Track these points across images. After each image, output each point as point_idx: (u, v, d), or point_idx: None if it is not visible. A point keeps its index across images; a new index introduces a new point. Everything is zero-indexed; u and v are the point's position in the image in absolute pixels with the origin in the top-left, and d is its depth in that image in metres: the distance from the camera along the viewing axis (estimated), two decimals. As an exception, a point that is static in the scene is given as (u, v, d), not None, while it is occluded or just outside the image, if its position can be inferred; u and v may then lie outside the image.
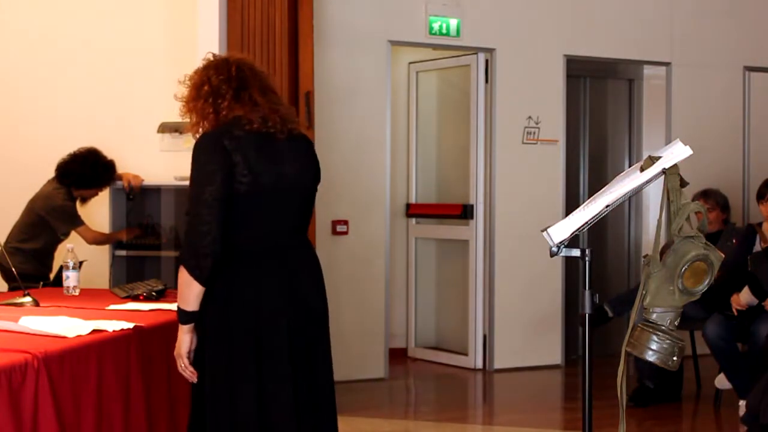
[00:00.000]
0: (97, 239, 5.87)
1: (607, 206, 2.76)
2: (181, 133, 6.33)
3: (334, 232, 6.50)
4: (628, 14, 7.35)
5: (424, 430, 5.44)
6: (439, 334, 7.64)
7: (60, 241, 5.83)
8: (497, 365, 6.97)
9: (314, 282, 3.12)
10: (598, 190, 2.86)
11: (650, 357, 2.71)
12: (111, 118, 6.49)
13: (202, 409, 2.91)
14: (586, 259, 2.82)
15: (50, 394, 2.55)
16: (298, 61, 5.78)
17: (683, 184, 2.73)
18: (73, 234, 5.87)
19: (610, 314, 6.19)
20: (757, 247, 5.66)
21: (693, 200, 2.76)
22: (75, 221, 5.78)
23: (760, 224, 5.76)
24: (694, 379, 6.30)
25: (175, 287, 5.22)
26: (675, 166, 2.73)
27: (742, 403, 5.26)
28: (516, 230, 6.98)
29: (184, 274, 2.89)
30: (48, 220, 5.71)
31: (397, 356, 7.32)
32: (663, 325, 2.70)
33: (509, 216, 6.99)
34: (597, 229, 6.04)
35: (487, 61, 7.03)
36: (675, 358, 2.71)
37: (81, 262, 4.43)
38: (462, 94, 7.28)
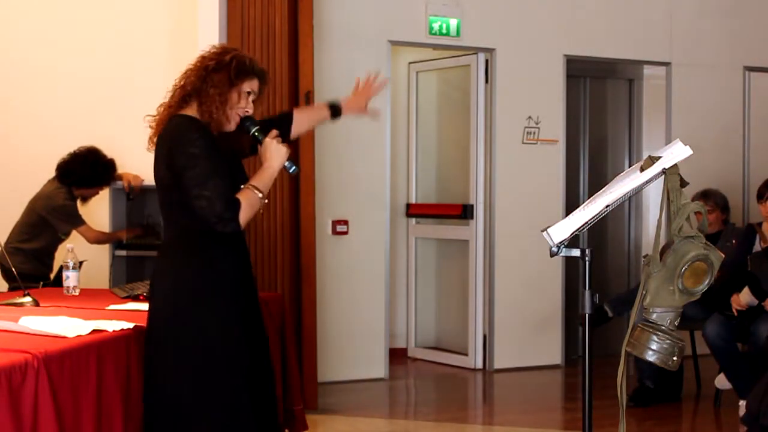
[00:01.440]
0: (99, 238, 5.88)
1: (607, 206, 2.76)
2: (181, 133, 6.33)
3: (334, 232, 6.50)
4: (628, 14, 7.35)
5: (424, 430, 5.44)
6: (439, 334, 7.64)
7: (61, 241, 5.83)
8: (497, 365, 6.97)
9: (153, 293, 3.15)
10: (598, 190, 2.85)
11: (650, 357, 2.71)
12: (111, 118, 6.48)
13: None
14: (586, 259, 2.82)
15: (50, 394, 2.55)
16: (298, 61, 5.77)
17: (683, 184, 2.72)
18: (74, 234, 5.87)
19: (610, 314, 6.20)
20: (757, 247, 5.66)
21: (693, 201, 2.75)
22: (76, 221, 5.78)
23: (760, 224, 5.76)
24: (694, 379, 6.30)
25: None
26: (675, 166, 2.73)
27: (742, 403, 5.26)
28: (516, 230, 6.97)
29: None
30: (49, 219, 5.71)
31: (397, 356, 7.32)
32: (663, 325, 2.70)
33: (509, 216, 6.98)
34: (597, 229, 6.05)
35: (487, 61, 7.03)
36: (675, 358, 2.71)
37: (81, 262, 4.43)
38: (462, 94, 7.28)
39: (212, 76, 3.11)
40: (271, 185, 3.17)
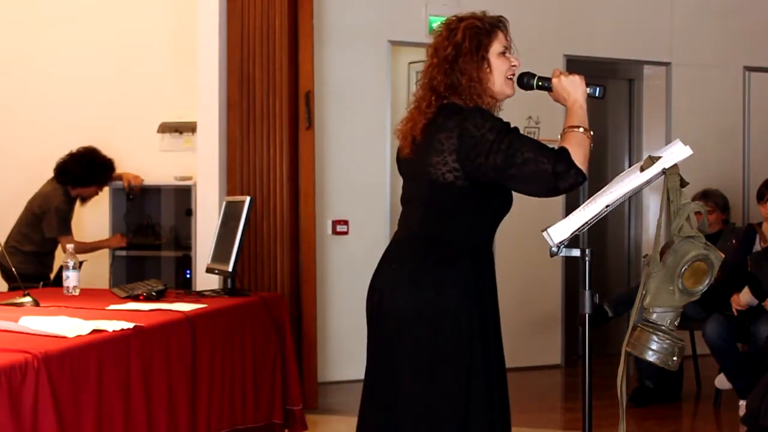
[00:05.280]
0: (77, 250, 5.80)
1: (607, 206, 2.75)
2: (181, 133, 6.34)
3: (334, 232, 6.49)
4: (628, 14, 7.35)
5: (424, 430, 5.43)
6: (439, 334, 7.62)
7: (57, 241, 5.83)
8: (497, 365, 6.96)
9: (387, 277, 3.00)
10: (598, 190, 2.85)
11: (650, 357, 2.70)
12: (111, 118, 6.49)
13: None
14: (586, 259, 2.81)
15: (50, 394, 2.55)
16: (298, 61, 5.78)
17: (683, 184, 2.72)
18: (74, 234, 5.86)
19: (610, 314, 6.19)
20: (757, 247, 5.66)
21: (693, 201, 2.75)
22: (64, 228, 5.74)
23: (760, 224, 5.76)
24: (694, 379, 6.30)
25: (175, 287, 5.25)
26: (675, 166, 2.73)
27: (742, 403, 5.26)
28: (516, 230, 6.96)
29: None
30: (41, 219, 5.70)
31: (397, 356, 7.31)
32: (663, 325, 2.70)
33: (509, 216, 6.95)
34: (597, 229, 6.04)
35: (487, 61, 7.02)
36: (675, 358, 2.71)
37: (81, 262, 4.43)
38: (462, 94, 7.27)
39: (456, 65, 2.82)
40: (587, 118, 2.87)
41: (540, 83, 2.94)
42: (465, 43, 2.84)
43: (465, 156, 2.73)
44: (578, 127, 2.82)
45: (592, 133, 2.82)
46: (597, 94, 2.92)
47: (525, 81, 2.96)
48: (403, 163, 2.97)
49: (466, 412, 2.79)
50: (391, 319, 2.96)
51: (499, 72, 2.89)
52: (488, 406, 2.83)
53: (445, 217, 2.84)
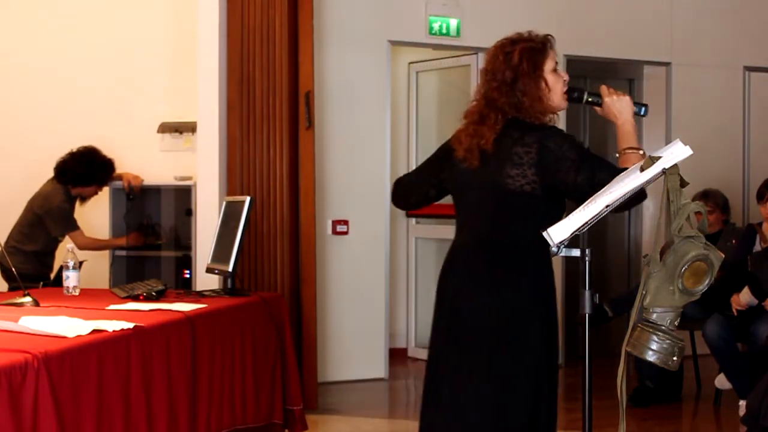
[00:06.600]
0: (89, 245, 5.81)
1: (607, 206, 2.75)
2: (181, 133, 6.34)
3: (334, 232, 6.50)
4: (628, 14, 7.35)
5: (424, 430, 5.43)
6: (439, 334, 7.62)
7: (59, 241, 5.83)
8: (497, 365, 6.96)
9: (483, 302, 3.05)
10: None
11: (650, 357, 2.70)
12: (111, 118, 6.49)
13: None
14: (586, 259, 2.81)
15: (50, 394, 2.55)
16: (298, 61, 5.78)
17: (683, 184, 2.72)
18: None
19: (610, 314, 6.18)
20: (757, 247, 5.66)
21: (693, 201, 2.74)
22: (69, 225, 5.76)
23: (760, 224, 5.76)
24: (694, 379, 6.30)
25: (175, 287, 5.24)
26: (675, 166, 2.72)
27: (742, 403, 5.26)
28: (516, 230, 6.97)
29: None
30: (44, 219, 5.71)
31: (397, 356, 7.31)
32: (663, 325, 2.70)
33: (509, 216, 6.97)
34: (597, 229, 6.05)
35: (487, 61, 7.02)
36: (675, 358, 2.70)
37: (81, 262, 4.43)
38: (462, 94, 7.26)
39: (517, 86, 2.98)
40: (637, 137, 3.03)
41: (590, 99, 3.09)
42: (522, 65, 2.99)
43: (544, 170, 2.92)
44: (636, 149, 2.98)
45: (642, 152, 2.97)
46: (642, 113, 3.10)
47: (575, 96, 3.09)
48: (465, 173, 3.07)
49: (535, 412, 2.98)
50: (470, 320, 3.04)
51: (555, 89, 3.04)
52: (550, 405, 3.06)
53: (518, 222, 3.01)
